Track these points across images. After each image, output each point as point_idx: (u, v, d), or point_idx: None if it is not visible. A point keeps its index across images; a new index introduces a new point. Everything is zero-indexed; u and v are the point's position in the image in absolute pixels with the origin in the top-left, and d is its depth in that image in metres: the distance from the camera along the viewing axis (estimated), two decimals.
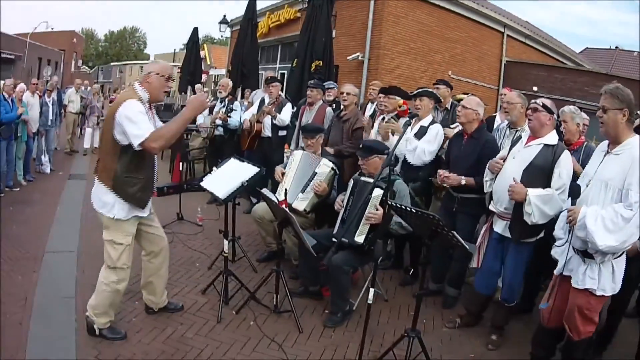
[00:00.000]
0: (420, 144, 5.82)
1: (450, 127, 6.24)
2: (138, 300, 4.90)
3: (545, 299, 4.09)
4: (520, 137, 4.74)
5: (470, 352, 4.69)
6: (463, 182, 5.10)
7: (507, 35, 19.96)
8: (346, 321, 4.99)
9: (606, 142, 3.76)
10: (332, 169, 5.73)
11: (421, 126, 5.97)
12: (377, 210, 4.73)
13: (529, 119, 4.52)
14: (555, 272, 3.94)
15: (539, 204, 4.22)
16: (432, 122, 6.00)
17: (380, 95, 6.68)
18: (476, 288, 5.02)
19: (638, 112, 3.93)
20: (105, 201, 4.05)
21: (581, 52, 36.47)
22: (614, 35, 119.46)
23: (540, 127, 4.46)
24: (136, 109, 3.86)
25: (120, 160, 3.96)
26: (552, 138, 4.47)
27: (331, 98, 8.33)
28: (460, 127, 5.51)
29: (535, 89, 18.42)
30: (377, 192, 4.70)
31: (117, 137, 3.90)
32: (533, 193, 4.23)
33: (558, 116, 4.95)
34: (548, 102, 4.49)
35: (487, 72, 19.54)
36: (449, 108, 6.93)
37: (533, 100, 4.56)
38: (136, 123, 3.81)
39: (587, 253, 3.66)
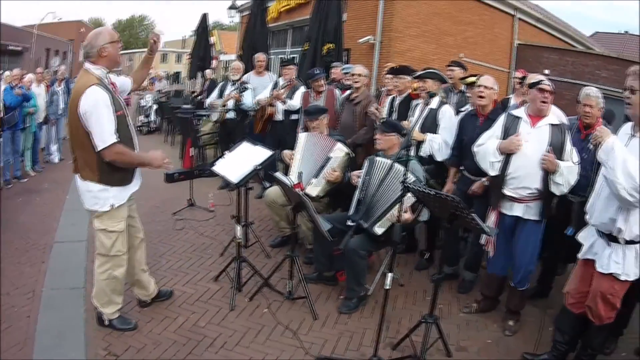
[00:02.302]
0: (440, 139, 5.67)
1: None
2: None
3: (570, 283, 4.00)
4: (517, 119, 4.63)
5: (487, 338, 4.60)
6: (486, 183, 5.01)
7: (519, 18, 19.77)
8: (361, 307, 4.89)
9: (629, 124, 3.62)
10: (347, 153, 5.63)
11: (430, 109, 5.78)
12: (406, 212, 4.62)
13: (543, 101, 4.43)
14: (579, 255, 3.86)
15: (567, 174, 4.30)
16: (442, 104, 5.82)
17: (389, 76, 6.57)
18: (490, 270, 4.95)
19: None
20: (97, 196, 3.91)
21: (591, 35, 36.19)
22: (625, 19, 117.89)
23: (548, 108, 4.48)
24: (100, 103, 3.69)
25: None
26: (553, 118, 4.53)
27: (333, 78, 8.26)
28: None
29: (547, 72, 18.00)
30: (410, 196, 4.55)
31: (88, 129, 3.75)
32: (563, 164, 4.29)
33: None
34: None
35: (499, 55, 19.34)
36: (464, 90, 6.73)
37: (542, 81, 4.49)
38: (102, 125, 3.69)
39: (612, 236, 3.57)
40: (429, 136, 5.63)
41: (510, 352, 4.40)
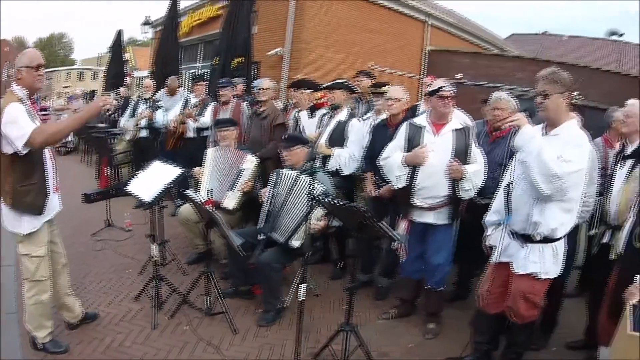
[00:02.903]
0: (347, 152, 5.65)
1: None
2: None
3: (483, 285, 4.04)
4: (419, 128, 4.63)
5: (409, 342, 4.66)
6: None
7: (430, 24, 20.06)
8: (280, 319, 4.89)
9: (539, 126, 3.69)
10: (258, 163, 5.68)
11: (338, 121, 5.77)
12: (319, 220, 4.67)
13: (444, 107, 4.47)
14: (493, 259, 3.86)
15: (473, 178, 4.37)
16: (351, 116, 5.83)
17: (292, 89, 6.60)
18: (404, 274, 4.99)
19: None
20: (15, 218, 3.82)
21: (507, 37, 36.98)
22: (544, 20, 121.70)
23: (450, 113, 4.53)
24: (16, 111, 3.60)
25: (14, 172, 3.71)
26: (456, 122, 4.55)
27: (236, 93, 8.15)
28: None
29: (458, 76, 18.45)
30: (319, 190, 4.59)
31: (4, 148, 3.64)
32: (469, 169, 4.35)
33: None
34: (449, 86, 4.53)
35: (410, 62, 19.57)
36: (369, 100, 6.77)
37: (442, 88, 4.49)
38: (16, 123, 3.57)
39: (527, 237, 3.62)
40: (335, 151, 5.63)
41: (433, 355, 4.46)
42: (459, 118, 4.74)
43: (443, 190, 4.45)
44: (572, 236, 4.34)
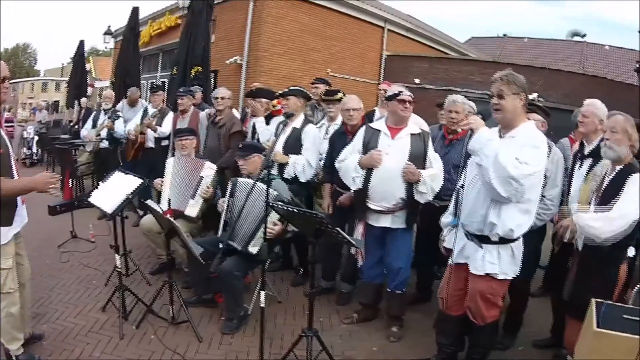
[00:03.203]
0: (304, 159, 5.63)
1: None
2: (46, 324, 4.76)
3: (443, 287, 4.05)
4: (377, 132, 4.67)
5: (372, 346, 4.70)
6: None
7: (388, 29, 19.91)
8: (243, 326, 4.90)
9: (496, 128, 3.66)
10: (216, 170, 5.73)
11: (293, 128, 5.72)
12: (275, 225, 4.69)
13: (403, 111, 4.50)
14: (450, 262, 3.86)
15: (430, 182, 4.39)
16: (305, 123, 5.81)
17: (248, 99, 6.60)
18: (366, 279, 5.01)
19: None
20: None
21: (467, 41, 36.77)
22: (503, 25, 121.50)
23: (408, 119, 4.55)
24: None
25: None
26: (414, 127, 4.58)
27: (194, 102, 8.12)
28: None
29: (417, 80, 18.56)
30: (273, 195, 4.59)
31: None
32: (425, 173, 4.37)
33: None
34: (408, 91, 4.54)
35: (368, 68, 19.45)
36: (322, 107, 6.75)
37: (402, 92, 4.51)
38: None
39: (483, 238, 3.61)
40: (292, 158, 5.61)
41: (397, 358, 4.51)
42: (417, 123, 4.80)
43: (398, 194, 4.47)
44: (537, 236, 4.47)
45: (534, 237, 4.35)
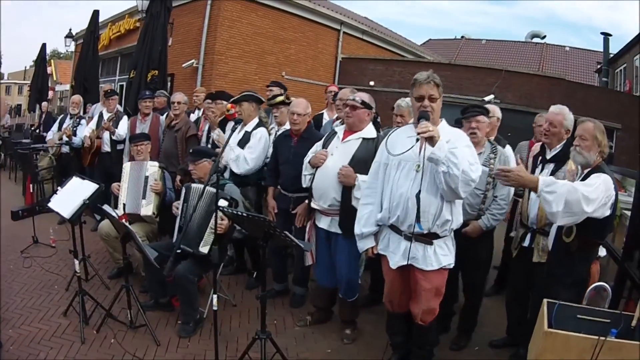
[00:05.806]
0: (242, 152, 5.52)
1: None
2: (12, 329, 4.62)
3: (387, 292, 3.98)
4: (335, 134, 4.58)
5: (326, 348, 4.62)
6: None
7: (344, 32, 19.64)
8: (199, 329, 4.80)
9: (411, 126, 3.63)
10: (160, 167, 5.65)
11: (245, 132, 5.65)
12: (222, 220, 4.52)
13: (348, 116, 4.37)
14: (392, 265, 3.70)
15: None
16: (258, 126, 5.69)
17: (208, 101, 6.44)
18: (319, 283, 4.90)
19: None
20: None
21: (423, 44, 36.15)
22: (464, 25, 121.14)
23: (360, 123, 4.38)
24: None
25: None
26: (370, 131, 4.42)
27: (156, 106, 7.97)
28: None
29: (372, 83, 18.36)
30: (223, 203, 4.46)
31: None
32: (362, 178, 4.12)
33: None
34: (366, 97, 4.38)
35: (322, 71, 19.19)
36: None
37: (351, 97, 4.38)
38: None
39: (431, 234, 3.52)
40: (229, 145, 5.39)
41: (352, 359, 4.46)
42: (372, 130, 4.55)
43: (332, 194, 4.35)
44: (490, 237, 4.44)
45: (490, 237, 4.39)
